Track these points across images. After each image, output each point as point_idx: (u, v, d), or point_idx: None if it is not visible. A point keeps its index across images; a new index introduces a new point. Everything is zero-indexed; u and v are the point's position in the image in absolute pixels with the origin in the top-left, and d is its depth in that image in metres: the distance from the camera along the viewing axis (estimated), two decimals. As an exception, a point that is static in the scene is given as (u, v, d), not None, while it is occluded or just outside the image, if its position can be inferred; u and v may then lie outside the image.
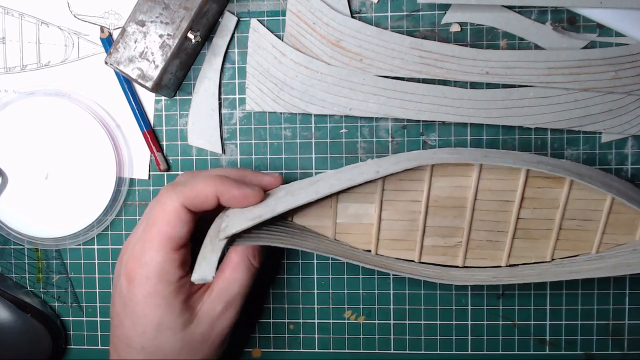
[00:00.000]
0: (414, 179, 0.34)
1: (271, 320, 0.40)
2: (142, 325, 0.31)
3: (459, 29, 0.37)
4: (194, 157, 0.39)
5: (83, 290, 0.41)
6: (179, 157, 0.40)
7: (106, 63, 0.36)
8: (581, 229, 0.34)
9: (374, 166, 0.33)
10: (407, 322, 0.39)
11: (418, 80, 0.37)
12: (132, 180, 0.40)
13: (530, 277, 0.34)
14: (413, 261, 0.35)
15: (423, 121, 0.38)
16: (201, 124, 0.39)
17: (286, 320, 0.40)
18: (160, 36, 0.35)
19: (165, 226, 0.30)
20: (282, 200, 0.32)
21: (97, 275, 0.41)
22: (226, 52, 0.39)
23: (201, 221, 0.33)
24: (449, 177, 0.34)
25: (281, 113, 0.39)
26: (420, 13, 0.37)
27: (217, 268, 0.29)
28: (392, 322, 0.39)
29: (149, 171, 0.40)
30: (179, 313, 0.31)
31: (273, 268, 0.40)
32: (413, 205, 0.35)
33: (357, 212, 0.34)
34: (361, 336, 0.39)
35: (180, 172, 0.40)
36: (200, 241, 0.31)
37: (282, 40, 0.38)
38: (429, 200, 0.34)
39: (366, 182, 0.33)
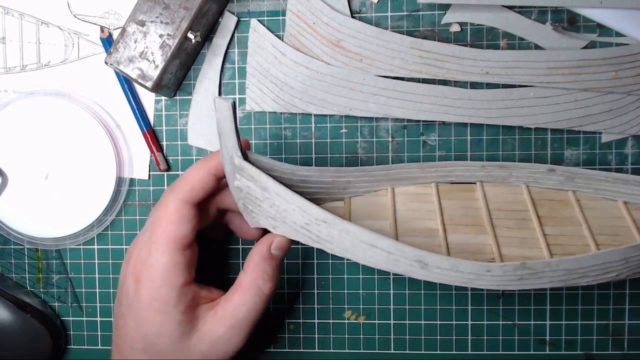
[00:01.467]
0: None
1: (271, 321, 0.40)
2: (144, 329, 0.31)
3: (459, 29, 0.37)
4: (194, 157, 0.39)
5: (83, 290, 0.41)
6: (179, 157, 0.40)
7: (106, 63, 0.36)
8: (617, 243, 0.34)
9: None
10: (407, 322, 0.39)
11: (418, 80, 0.37)
12: (132, 180, 0.40)
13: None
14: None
15: (423, 121, 0.38)
16: (201, 124, 0.39)
17: (286, 320, 0.40)
18: (160, 36, 0.35)
19: (168, 225, 0.31)
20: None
21: (97, 275, 0.41)
22: (226, 52, 0.39)
23: (207, 228, 0.34)
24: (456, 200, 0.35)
25: (281, 113, 0.39)
26: (420, 13, 0.37)
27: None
28: (392, 322, 0.39)
29: (149, 171, 0.40)
30: (179, 323, 0.31)
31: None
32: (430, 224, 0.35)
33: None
34: (361, 336, 0.39)
35: (180, 172, 0.40)
36: (204, 247, 0.31)
37: (282, 40, 0.38)
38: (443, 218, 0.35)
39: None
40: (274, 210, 0.31)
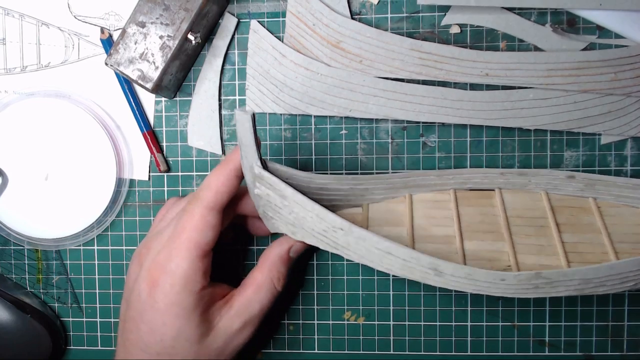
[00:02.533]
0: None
1: (271, 321, 0.40)
2: (160, 334, 0.31)
3: (459, 31, 0.37)
4: (194, 158, 0.40)
5: (83, 291, 0.41)
6: (179, 158, 0.40)
7: (106, 64, 0.36)
8: (637, 252, 0.33)
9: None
10: (406, 323, 0.39)
11: (418, 82, 0.37)
12: (132, 181, 0.40)
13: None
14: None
15: (423, 122, 0.38)
16: (201, 125, 0.39)
17: (286, 321, 0.40)
18: (161, 37, 0.36)
19: (193, 232, 0.31)
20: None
21: (97, 276, 0.41)
22: (226, 54, 0.39)
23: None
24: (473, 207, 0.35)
25: (281, 114, 0.39)
26: (420, 14, 0.37)
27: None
28: (391, 323, 0.39)
29: (149, 172, 0.40)
30: (197, 325, 0.31)
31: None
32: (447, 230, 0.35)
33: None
34: (361, 337, 0.39)
35: (180, 173, 0.40)
36: (219, 251, 0.32)
37: (282, 41, 0.38)
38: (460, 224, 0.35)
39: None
40: (293, 217, 0.32)
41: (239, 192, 0.34)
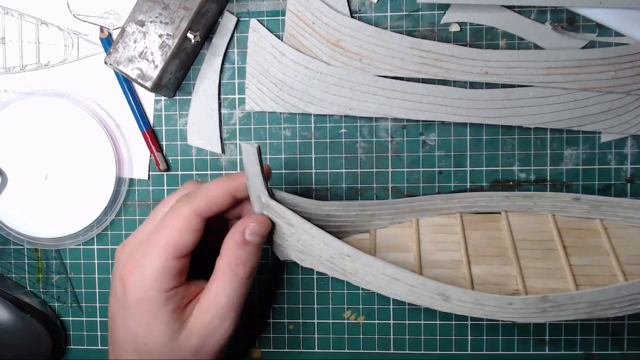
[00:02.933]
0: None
1: (271, 320, 0.40)
2: (132, 330, 0.31)
3: (459, 29, 0.37)
4: (194, 157, 0.39)
5: (83, 290, 0.41)
6: (179, 157, 0.40)
7: (106, 63, 0.36)
8: None
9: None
10: (406, 322, 0.39)
11: (417, 80, 0.37)
12: (131, 180, 0.40)
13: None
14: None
15: (422, 121, 0.38)
16: (201, 124, 0.39)
17: (286, 320, 0.40)
18: (160, 36, 0.35)
19: (174, 231, 0.31)
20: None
21: (96, 276, 0.41)
22: (226, 52, 0.39)
23: (207, 231, 0.34)
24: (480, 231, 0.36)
25: (281, 113, 0.39)
26: (420, 13, 0.37)
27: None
28: (391, 322, 0.39)
29: (149, 171, 0.40)
30: (167, 322, 0.31)
31: (273, 268, 0.40)
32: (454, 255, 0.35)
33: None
34: (361, 336, 0.39)
35: (179, 172, 0.40)
36: (202, 250, 0.32)
37: (282, 40, 0.38)
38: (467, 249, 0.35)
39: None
40: (301, 244, 0.33)
41: (243, 203, 0.33)
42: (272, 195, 0.32)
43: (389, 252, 0.36)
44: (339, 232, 0.33)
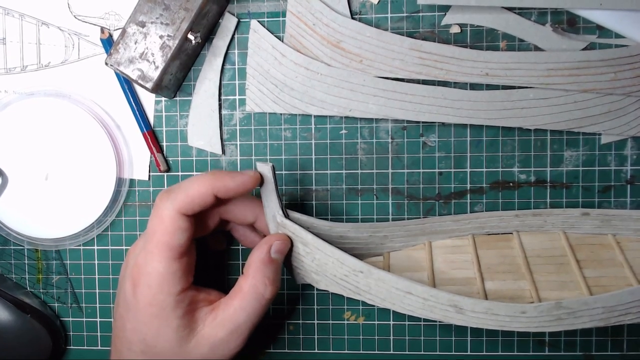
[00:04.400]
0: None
1: (271, 321, 0.40)
2: (142, 333, 0.31)
3: (459, 30, 0.37)
4: (194, 158, 0.40)
5: (83, 290, 0.41)
6: (179, 158, 0.40)
7: (106, 64, 0.36)
8: None
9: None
10: (406, 323, 0.39)
11: (418, 82, 0.37)
12: (132, 181, 0.40)
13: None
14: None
15: (423, 122, 0.38)
16: (201, 125, 0.39)
17: (286, 321, 0.40)
18: (161, 37, 0.36)
19: (164, 236, 0.30)
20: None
21: (96, 276, 0.41)
22: (226, 53, 0.39)
23: (208, 237, 0.34)
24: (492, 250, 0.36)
25: (281, 114, 0.39)
26: (420, 14, 0.37)
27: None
28: (391, 323, 0.39)
29: (149, 172, 0.40)
30: (177, 327, 0.31)
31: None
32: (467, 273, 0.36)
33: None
34: (361, 337, 0.39)
35: (180, 173, 0.40)
36: (204, 249, 0.32)
37: (282, 41, 0.38)
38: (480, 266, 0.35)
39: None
40: (315, 264, 0.33)
41: (225, 199, 0.33)
42: (287, 215, 0.33)
43: (402, 272, 0.36)
44: (353, 255, 0.33)
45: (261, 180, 0.32)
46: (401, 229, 0.37)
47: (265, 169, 0.31)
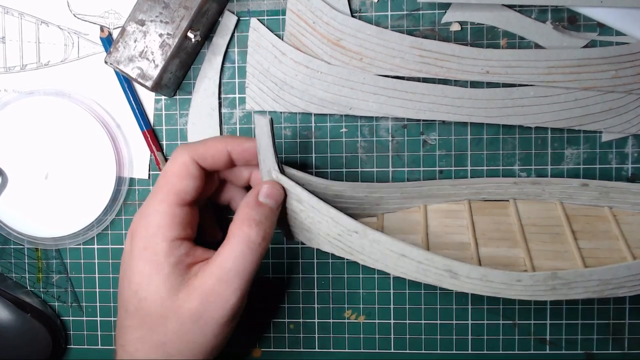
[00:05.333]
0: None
1: (271, 320, 0.40)
2: (135, 284, 0.30)
3: (459, 28, 0.37)
4: (194, 157, 0.39)
5: (83, 289, 0.41)
6: (179, 157, 0.40)
7: (106, 62, 0.36)
8: None
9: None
10: (407, 321, 0.39)
11: (418, 80, 0.37)
12: (132, 180, 0.40)
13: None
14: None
15: (423, 120, 0.38)
16: (201, 124, 0.39)
17: (286, 320, 0.40)
18: (160, 35, 0.35)
19: (173, 177, 0.31)
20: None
21: (97, 275, 0.41)
22: (226, 52, 0.39)
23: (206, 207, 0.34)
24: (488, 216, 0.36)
25: (281, 112, 0.39)
26: (421, 12, 0.37)
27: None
28: (392, 321, 0.39)
29: (149, 170, 0.40)
30: (168, 275, 0.30)
31: (273, 267, 0.40)
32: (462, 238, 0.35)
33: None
34: (361, 336, 0.39)
35: (180, 172, 0.40)
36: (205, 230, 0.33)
37: (282, 39, 0.38)
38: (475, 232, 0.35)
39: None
40: (309, 222, 0.32)
41: (233, 164, 0.33)
42: (282, 171, 0.32)
43: (396, 234, 0.35)
44: (347, 215, 0.33)
45: (258, 133, 0.31)
46: (398, 190, 0.37)
47: (262, 121, 0.30)
